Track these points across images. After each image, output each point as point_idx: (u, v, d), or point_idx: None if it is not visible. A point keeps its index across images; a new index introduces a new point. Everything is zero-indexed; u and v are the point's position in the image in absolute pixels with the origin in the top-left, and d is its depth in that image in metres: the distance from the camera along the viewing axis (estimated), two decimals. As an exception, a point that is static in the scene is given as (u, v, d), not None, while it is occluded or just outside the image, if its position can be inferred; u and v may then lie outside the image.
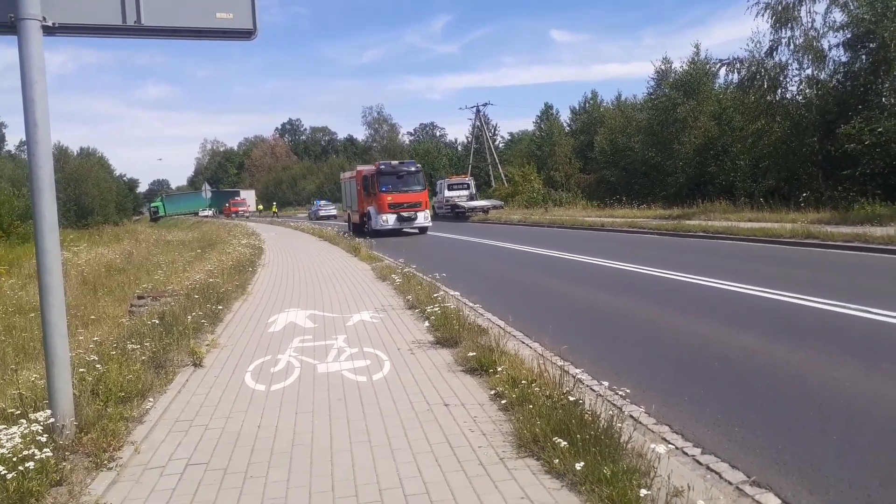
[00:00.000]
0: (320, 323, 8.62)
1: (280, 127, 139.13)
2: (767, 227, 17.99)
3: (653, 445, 3.79)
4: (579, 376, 5.75)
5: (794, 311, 8.31)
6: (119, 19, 4.78)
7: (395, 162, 31.35)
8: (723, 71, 29.44)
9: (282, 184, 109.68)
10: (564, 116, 65.19)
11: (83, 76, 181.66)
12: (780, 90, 26.51)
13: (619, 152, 44.01)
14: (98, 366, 5.57)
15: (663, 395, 5.46)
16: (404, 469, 3.97)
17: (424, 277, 11.34)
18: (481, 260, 17.73)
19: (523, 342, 7.22)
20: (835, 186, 23.06)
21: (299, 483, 3.84)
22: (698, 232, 19.58)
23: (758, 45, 26.16)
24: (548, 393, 4.71)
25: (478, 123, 64.56)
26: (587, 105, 60.71)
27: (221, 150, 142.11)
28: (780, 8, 25.16)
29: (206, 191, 67.73)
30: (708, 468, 4.08)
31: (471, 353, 6.07)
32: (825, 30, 24.87)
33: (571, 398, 4.49)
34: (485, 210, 39.51)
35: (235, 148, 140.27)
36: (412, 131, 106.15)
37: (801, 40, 25.10)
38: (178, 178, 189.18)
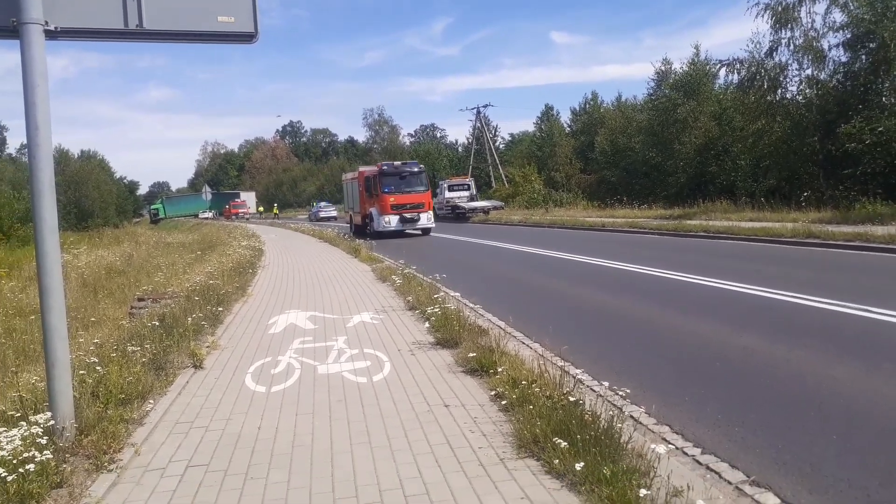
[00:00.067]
0: (321, 324, 8.63)
1: (280, 129, 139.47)
2: (768, 226, 17.99)
3: (653, 445, 3.79)
4: (579, 377, 5.75)
5: (795, 311, 8.31)
6: (121, 23, 4.79)
7: (397, 163, 31.05)
8: (723, 71, 29.49)
9: (282, 186, 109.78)
10: (565, 117, 65.29)
11: (85, 80, 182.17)
12: (780, 90, 26.54)
13: (620, 153, 44.03)
14: (98, 368, 5.57)
15: (663, 395, 5.46)
16: (404, 470, 3.97)
17: (425, 278, 11.35)
18: (482, 261, 17.73)
19: (524, 343, 7.22)
20: (836, 186, 23.07)
21: (300, 484, 3.85)
22: (699, 232, 19.58)
23: (758, 46, 26.24)
24: (548, 393, 4.71)
25: (478, 125, 64.61)
26: (587, 106, 60.73)
27: (222, 152, 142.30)
28: (779, 8, 25.18)
29: (207, 193, 67.79)
30: (708, 468, 4.08)
31: (471, 354, 6.08)
32: (825, 30, 24.93)
33: (572, 399, 4.49)
34: (485, 211, 39.48)
35: (236, 150, 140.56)
36: (413, 133, 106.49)
37: (800, 41, 25.12)
38: (179, 180, 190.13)
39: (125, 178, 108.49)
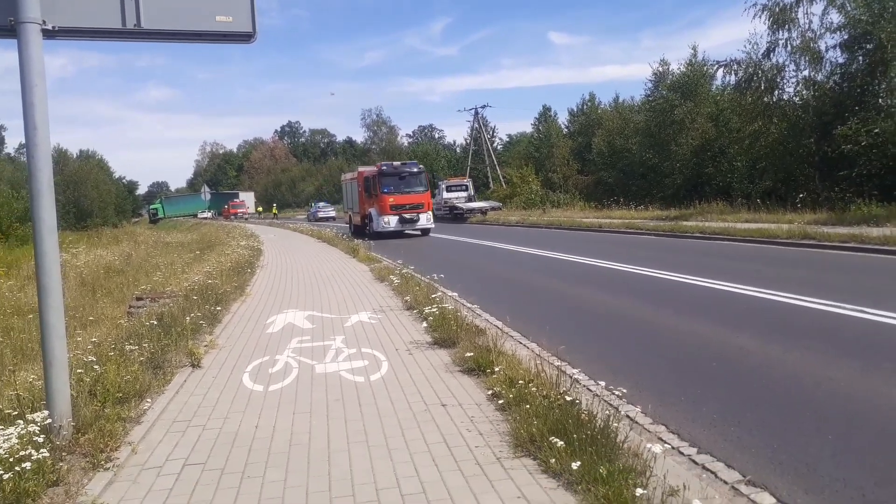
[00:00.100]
0: (318, 324, 8.64)
1: (279, 129, 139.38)
2: (764, 227, 18.03)
3: (649, 445, 3.81)
4: (576, 376, 5.78)
5: (791, 312, 8.33)
6: (119, 22, 4.80)
7: (396, 163, 30.81)
8: (720, 72, 29.50)
9: (281, 186, 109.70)
10: (562, 118, 65.34)
11: (84, 79, 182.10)
12: (777, 91, 26.56)
13: (617, 154, 44.07)
14: (96, 367, 5.58)
15: (660, 394, 5.48)
16: (401, 469, 3.99)
17: (422, 278, 11.35)
18: (479, 261, 17.74)
19: (521, 342, 7.24)
20: (831, 187, 23.10)
21: (296, 483, 3.86)
22: (695, 233, 19.62)
23: (755, 47, 26.25)
24: (545, 393, 4.72)
25: (476, 125, 64.62)
26: (585, 107, 60.83)
27: (221, 152, 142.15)
28: (777, 9, 25.21)
29: (206, 193, 67.60)
30: (704, 468, 4.10)
31: (468, 354, 6.09)
32: (822, 31, 24.95)
33: (568, 398, 4.50)
34: (483, 211, 39.48)
35: (235, 150, 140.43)
36: (411, 133, 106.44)
37: (798, 42, 25.15)
38: (178, 180, 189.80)
39: (124, 177, 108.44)
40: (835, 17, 24.45)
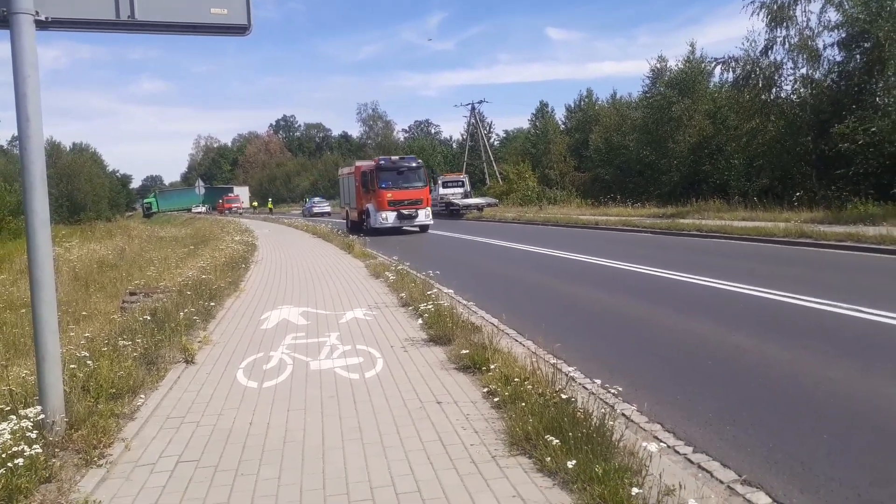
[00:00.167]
0: (313, 320, 8.61)
1: (274, 123, 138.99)
2: (761, 225, 18.04)
3: (644, 444, 3.79)
4: (572, 374, 5.75)
5: (787, 310, 8.33)
6: (112, 14, 4.76)
7: (395, 157, 30.23)
8: (718, 70, 29.57)
9: (276, 180, 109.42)
10: (559, 114, 65.24)
11: (77, 71, 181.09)
12: (774, 89, 26.58)
13: (614, 150, 44.05)
14: (89, 362, 5.55)
15: (655, 393, 5.47)
16: (396, 467, 3.96)
17: (418, 275, 11.33)
18: (475, 257, 17.73)
19: (516, 340, 7.22)
20: (828, 186, 23.15)
21: (290, 480, 3.83)
22: (692, 230, 19.62)
23: (753, 44, 26.25)
24: (540, 391, 4.71)
25: (473, 121, 64.55)
26: (582, 103, 60.77)
27: (215, 146, 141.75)
28: (775, 7, 25.19)
29: (200, 187, 67.30)
30: (699, 467, 4.09)
31: (464, 351, 6.07)
32: (820, 29, 24.96)
33: (564, 396, 4.49)
34: (479, 208, 39.44)
35: (229, 144, 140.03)
36: (407, 128, 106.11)
37: (795, 39, 25.15)
38: (172, 174, 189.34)
39: (118, 171, 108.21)
40: (833, 16, 24.51)
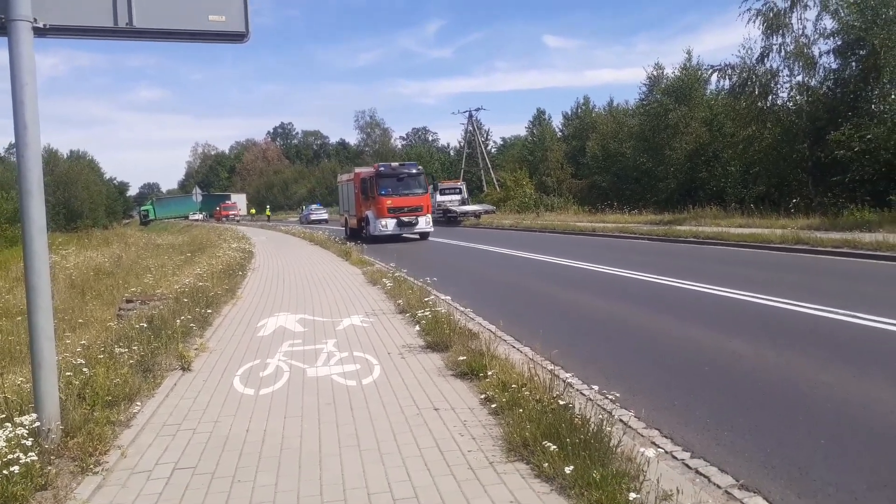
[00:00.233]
0: (310, 327, 8.60)
1: (272, 131, 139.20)
2: (757, 232, 18.10)
3: (642, 449, 3.79)
4: (569, 380, 5.74)
5: (784, 316, 8.35)
6: (110, 21, 4.76)
7: (395, 164, 29.85)
8: (714, 77, 29.65)
9: (273, 188, 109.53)
10: (557, 122, 65.52)
11: (75, 79, 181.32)
12: (770, 96, 26.71)
13: (611, 158, 44.20)
14: (85, 369, 5.52)
15: (653, 399, 5.47)
16: (393, 473, 3.95)
17: (415, 281, 11.32)
18: (472, 264, 17.74)
19: (514, 346, 7.22)
20: (824, 192, 23.22)
21: (287, 487, 3.82)
22: (689, 237, 19.65)
23: (749, 52, 26.39)
24: (538, 397, 4.70)
25: (470, 128, 64.73)
26: (579, 110, 61.06)
27: (213, 153, 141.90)
28: (771, 15, 25.35)
29: (197, 194, 67.29)
30: (697, 472, 4.09)
31: (461, 358, 6.06)
32: (816, 37, 25.12)
33: (561, 402, 4.48)
34: (476, 215, 39.47)
35: (227, 152, 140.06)
36: (405, 136, 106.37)
37: (791, 47, 25.29)
38: (169, 181, 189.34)
39: (115, 178, 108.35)
40: (828, 23, 24.68)
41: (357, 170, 31.84)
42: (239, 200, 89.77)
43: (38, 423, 4.24)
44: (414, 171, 28.62)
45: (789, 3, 25.04)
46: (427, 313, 7.82)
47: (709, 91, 36.60)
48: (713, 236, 18.83)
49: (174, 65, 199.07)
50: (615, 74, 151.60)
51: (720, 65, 27.93)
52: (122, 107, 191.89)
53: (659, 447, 4.42)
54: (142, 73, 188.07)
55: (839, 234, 16.17)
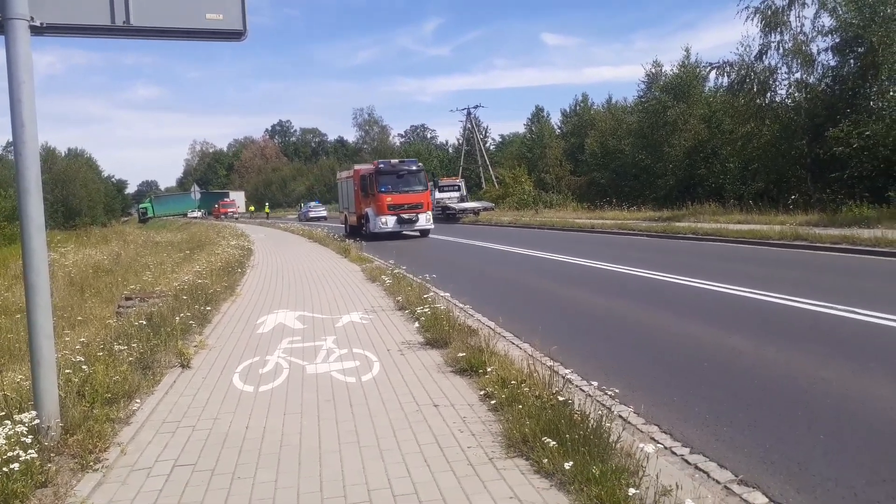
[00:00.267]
0: (309, 324, 8.60)
1: (270, 128, 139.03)
2: (756, 229, 18.10)
3: (641, 445, 3.80)
4: (569, 377, 5.76)
5: (783, 312, 8.35)
6: (107, 19, 4.75)
7: (394, 160, 29.56)
8: (713, 74, 29.66)
9: (272, 185, 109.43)
10: (555, 119, 65.53)
11: (72, 77, 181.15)
12: (769, 93, 26.74)
13: (610, 155, 44.21)
14: (84, 367, 5.52)
15: (652, 395, 5.47)
16: (393, 469, 3.96)
17: (414, 278, 11.33)
18: (471, 261, 17.74)
19: (513, 343, 7.23)
20: (823, 189, 23.25)
21: (287, 484, 3.82)
22: (688, 234, 19.67)
23: (747, 49, 26.42)
24: (537, 393, 4.71)
25: (469, 126, 64.65)
26: (578, 108, 61.05)
27: (211, 151, 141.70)
28: (769, 12, 25.35)
29: (196, 192, 67.39)
30: (696, 467, 4.09)
31: (461, 354, 6.07)
32: (814, 34, 25.14)
33: (561, 398, 4.49)
34: (475, 212, 39.48)
35: (225, 149, 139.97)
36: (403, 133, 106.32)
37: (790, 44, 25.30)
38: (168, 179, 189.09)
39: (113, 176, 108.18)
40: (826, 21, 24.70)
41: (357, 167, 31.63)
42: (237, 198, 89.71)
43: (37, 421, 4.24)
44: (414, 167, 28.42)
45: (787, 0, 25.04)
46: (426, 310, 7.82)
47: (707, 88, 36.64)
48: (712, 233, 18.86)
49: (171, 63, 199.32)
50: (614, 72, 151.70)
51: (719, 62, 28.00)
52: (119, 105, 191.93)
53: (658, 443, 4.44)
54: (139, 71, 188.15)
55: (838, 230, 16.18)
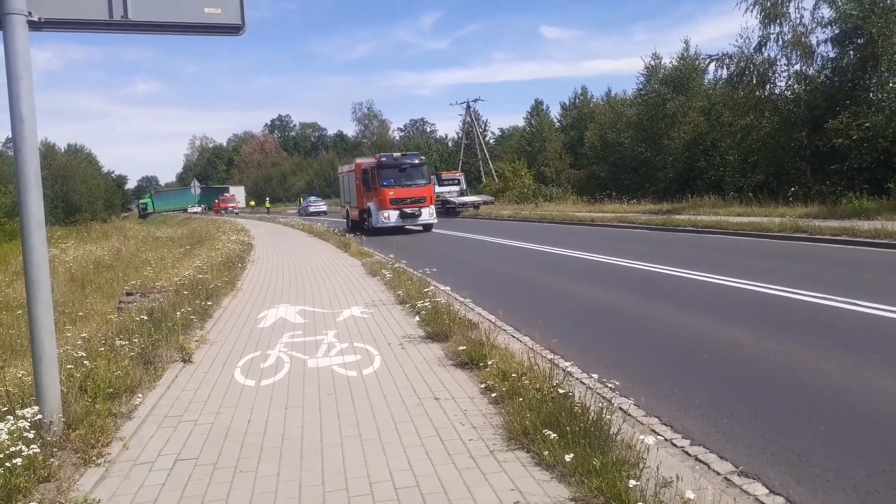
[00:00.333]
0: (310, 318, 8.61)
1: (269, 123, 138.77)
2: (756, 221, 18.12)
3: (642, 437, 3.81)
4: (569, 369, 5.77)
5: (783, 304, 8.36)
6: (106, 14, 4.74)
7: (396, 154, 29.37)
8: (712, 66, 29.51)
9: (271, 180, 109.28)
10: (555, 112, 65.36)
11: (70, 72, 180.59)
12: (768, 86, 26.63)
13: (609, 148, 44.12)
14: (86, 362, 5.54)
15: (653, 387, 5.49)
16: (395, 462, 3.97)
17: (415, 273, 11.33)
18: (472, 255, 17.74)
19: (513, 336, 7.24)
20: (823, 181, 23.22)
21: (289, 477, 3.84)
22: (687, 226, 19.67)
23: (747, 41, 26.31)
24: (538, 386, 4.72)
25: (468, 119, 64.63)
26: (577, 101, 60.89)
27: (210, 146, 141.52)
28: (768, 4, 25.26)
29: (196, 187, 67.12)
30: (696, 459, 4.11)
31: (461, 348, 6.08)
32: (813, 25, 25.04)
33: (561, 391, 4.50)
34: (475, 205, 39.47)
35: (225, 144, 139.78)
36: (402, 127, 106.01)
37: (789, 36, 25.22)
38: (167, 174, 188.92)
39: (113, 172, 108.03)
40: (826, 12, 24.60)
41: (358, 160, 31.32)
42: (237, 193, 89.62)
43: (39, 416, 4.25)
44: (416, 161, 28.13)
45: (786, -8, 24.98)
46: (427, 304, 7.83)
47: (706, 80, 36.43)
48: (712, 225, 18.86)
49: (170, 58, 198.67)
50: (613, 65, 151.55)
51: (718, 54, 27.88)
52: (118, 100, 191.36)
53: (658, 435, 4.45)
54: (137, 66, 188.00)
55: (838, 222, 16.20)
